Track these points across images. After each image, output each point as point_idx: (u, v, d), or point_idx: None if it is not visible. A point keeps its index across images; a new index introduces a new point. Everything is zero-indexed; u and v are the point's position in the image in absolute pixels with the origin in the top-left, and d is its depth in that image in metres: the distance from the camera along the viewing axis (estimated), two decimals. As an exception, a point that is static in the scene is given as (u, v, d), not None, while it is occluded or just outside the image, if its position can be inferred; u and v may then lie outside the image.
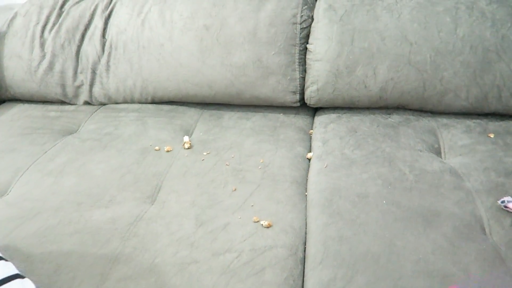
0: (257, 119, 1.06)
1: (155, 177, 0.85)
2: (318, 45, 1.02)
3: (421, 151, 0.89)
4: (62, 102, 1.19)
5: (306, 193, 0.81)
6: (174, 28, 1.09)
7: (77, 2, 1.22)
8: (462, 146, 0.91)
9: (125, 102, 1.17)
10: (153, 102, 1.16)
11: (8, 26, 1.19)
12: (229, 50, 1.05)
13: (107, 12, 1.18)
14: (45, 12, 1.20)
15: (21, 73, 1.15)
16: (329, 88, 1.03)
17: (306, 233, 0.71)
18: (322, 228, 0.70)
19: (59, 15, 1.19)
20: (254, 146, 0.94)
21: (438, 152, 0.91)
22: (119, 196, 0.80)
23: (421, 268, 0.61)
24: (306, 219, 0.75)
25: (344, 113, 1.06)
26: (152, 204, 0.79)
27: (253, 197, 0.78)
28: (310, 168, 0.89)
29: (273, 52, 1.04)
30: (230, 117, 1.08)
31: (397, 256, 0.63)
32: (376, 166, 0.84)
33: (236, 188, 0.80)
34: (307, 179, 0.86)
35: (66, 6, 1.21)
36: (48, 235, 0.71)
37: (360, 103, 1.04)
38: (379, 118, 1.02)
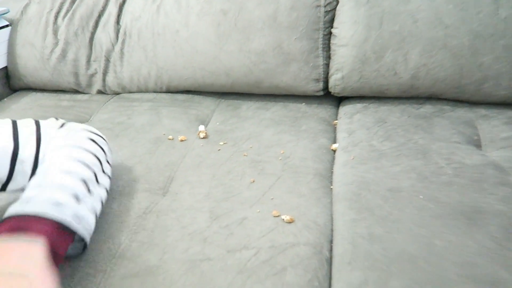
0: (277, 109, 1.00)
1: (167, 168, 0.79)
2: (344, 29, 0.95)
3: (458, 143, 0.81)
4: (75, 92, 1.15)
5: (331, 187, 0.74)
6: (190, 14, 1.03)
7: (92, -11, 1.18)
8: (504, 138, 0.82)
9: (139, 91, 1.12)
10: (168, 91, 1.11)
11: (22, 13, 1.16)
12: (248, 35, 0.99)
13: (122, -2, 1.13)
14: (59, -1, 1.16)
15: (33, 61, 1.12)
16: (355, 76, 0.95)
17: (332, 230, 0.64)
18: (350, 225, 0.62)
19: (73, 1, 1.15)
20: (274, 137, 0.87)
21: (477, 145, 0.82)
22: (129, 187, 0.74)
23: (466, 272, 0.53)
24: (331, 214, 0.67)
25: (371, 102, 0.98)
26: (164, 196, 0.73)
27: (273, 190, 0.71)
28: (335, 160, 0.81)
29: (294, 37, 0.97)
30: (248, 107, 1.01)
31: (437, 257, 0.55)
32: (408, 158, 0.76)
33: (255, 180, 0.74)
34: (332, 172, 0.78)
35: (81, -7, 1.17)
36: (51, 227, 0.65)
37: (389, 92, 0.96)
38: (410, 108, 0.94)
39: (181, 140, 0.87)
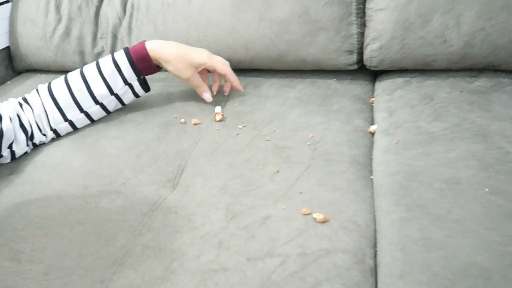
0: (303, 86, 0.87)
1: (178, 156, 0.68)
2: (382, -10, 0.80)
3: (526, 122, 0.66)
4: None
5: (371, 177, 0.62)
6: (203, -20, 0.91)
7: (97, -41, 1.07)
8: None
9: (149, 70, 1.01)
10: (181, 70, 0.99)
11: (23, -12, 1.06)
12: (269, 2, 0.86)
13: (129, -33, 1.01)
14: (62, -29, 1.05)
15: (35, 40, 1.03)
16: (396, 45, 0.81)
17: (375, 232, 0.52)
18: (399, 226, 0.50)
19: (76, -27, 1.04)
20: (301, 118, 0.75)
21: (549, 124, 0.68)
22: (134, 178, 0.65)
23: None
24: (374, 212, 0.55)
25: (414, 77, 0.84)
26: (173, 189, 0.62)
27: (301, 182, 0.59)
28: (374, 145, 0.69)
29: (323, 2, 0.83)
30: (270, 85, 0.89)
31: (517, 271, 0.43)
32: (466, 142, 0.63)
33: (279, 170, 0.62)
34: (371, 159, 0.66)
35: (85, -36, 1.06)
36: (43, 227, 0.57)
37: (437, 64, 0.81)
38: (462, 82, 0.80)
39: (195, 124, 0.76)
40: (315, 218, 0.52)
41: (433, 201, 0.53)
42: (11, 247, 0.54)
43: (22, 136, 0.71)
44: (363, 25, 0.85)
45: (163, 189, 0.62)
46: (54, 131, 0.75)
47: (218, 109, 0.79)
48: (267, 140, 0.69)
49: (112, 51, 1.01)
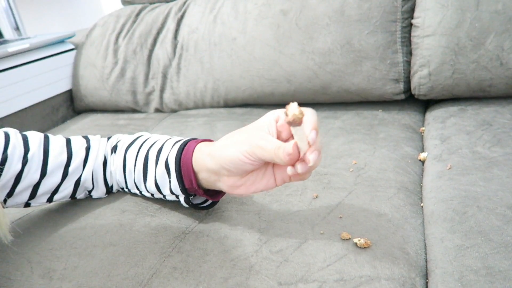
0: (348, 117, 0.84)
1: (215, 182, 0.67)
2: (428, 16, 0.78)
3: None
4: (133, 111, 1.11)
5: (421, 204, 0.56)
6: (247, 19, 0.94)
7: (152, 9, 1.16)
8: None
9: (196, 107, 1.05)
10: (226, 105, 1.01)
11: (87, 37, 1.17)
12: (311, 34, 0.86)
13: (180, 13, 1.09)
14: (121, 21, 1.15)
15: (94, 81, 1.11)
16: (447, 71, 0.76)
17: (426, 261, 0.46)
18: (455, 254, 0.44)
19: (134, 22, 1.14)
20: (344, 146, 0.71)
21: None
22: (170, 204, 0.63)
23: None
24: (424, 240, 0.49)
25: (469, 104, 0.78)
26: (208, 214, 0.60)
27: (342, 207, 0.55)
28: (424, 172, 0.63)
29: (366, 32, 0.82)
30: (313, 117, 0.87)
31: None
32: (532, 166, 0.55)
33: (318, 195, 0.58)
34: (421, 186, 0.60)
35: (142, 14, 1.16)
36: (78, 247, 0.56)
37: (494, 89, 0.75)
38: (525, 108, 0.73)
39: (234, 153, 0.75)
40: (356, 243, 0.47)
41: (495, 228, 0.46)
42: (45, 265, 0.54)
43: (102, 188, 0.66)
44: (409, 53, 0.82)
45: (197, 213, 0.61)
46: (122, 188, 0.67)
47: None
48: (307, 166, 0.66)
49: (162, 90, 1.06)
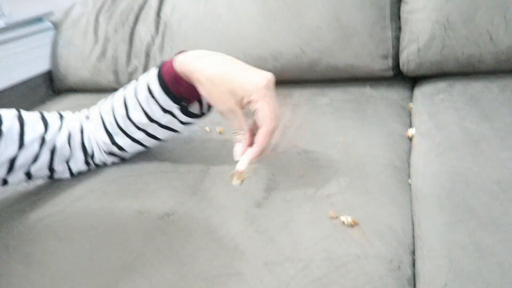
0: (335, 94, 0.82)
1: (200, 163, 0.65)
2: (417, -10, 0.76)
3: None
4: (116, 90, 1.08)
5: (409, 181, 0.55)
6: (233, -5, 0.91)
7: (134, -15, 1.11)
8: None
9: (180, 87, 1.02)
10: (211, 84, 0.99)
11: (66, 15, 1.12)
12: (299, 10, 0.84)
13: (163, -11, 1.05)
14: (102, -3, 1.11)
15: (74, 61, 1.07)
16: (436, 46, 0.75)
17: (413, 238, 0.45)
18: (443, 231, 0.43)
19: (115, -1, 1.09)
20: (332, 123, 0.70)
21: None
22: (154, 184, 0.62)
23: None
24: (412, 217, 0.48)
25: (458, 80, 0.77)
26: (193, 195, 0.59)
27: (329, 185, 0.54)
28: (412, 148, 0.62)
29: (355, 8, 0.80)
30: (300, 95, 0.85)
31: None
32: (521, 141, 0.55)
33: (305, 173, 0.57)
34: (409, 163, 0.59)
35: (123, -10, 1.11)
36: (58, 230, 0.54)
37: (483, 65, 0.74)
38: (514, 84, 0.72)
39: (220, 133, 0.74)
40: (343, 222, 0.46)
41: (483, 204, 0.45)
42: (23, 250, 0.52)
43: (80, 155, 0.65)
44: (398, 29, 0.80)
45: (182, 194, 0.59)
46: (110, 153, 0.66)
47: (240, 166, 0.52)
48: (293, 145, 0.65)
49: (145, 70, 1.03)
